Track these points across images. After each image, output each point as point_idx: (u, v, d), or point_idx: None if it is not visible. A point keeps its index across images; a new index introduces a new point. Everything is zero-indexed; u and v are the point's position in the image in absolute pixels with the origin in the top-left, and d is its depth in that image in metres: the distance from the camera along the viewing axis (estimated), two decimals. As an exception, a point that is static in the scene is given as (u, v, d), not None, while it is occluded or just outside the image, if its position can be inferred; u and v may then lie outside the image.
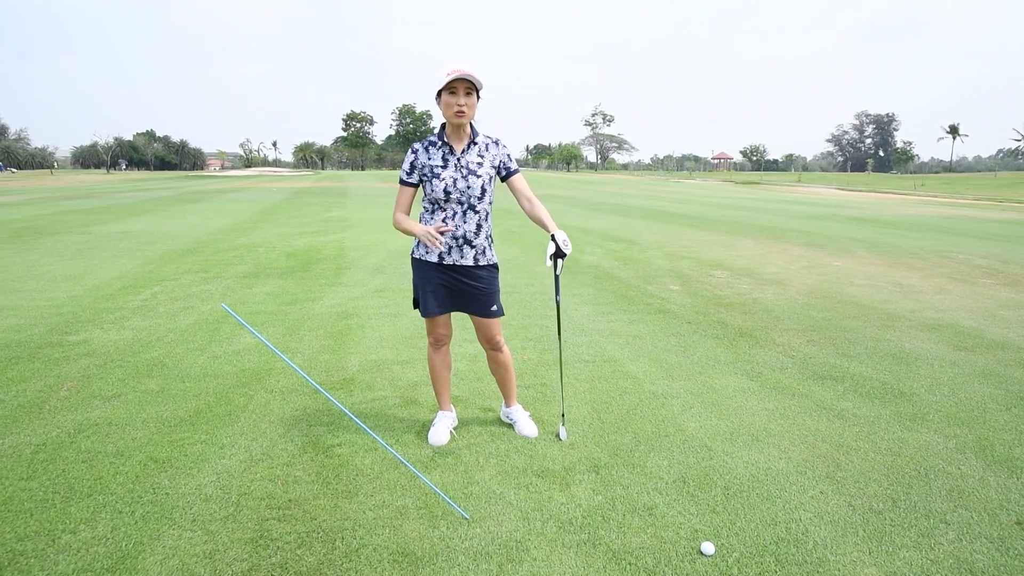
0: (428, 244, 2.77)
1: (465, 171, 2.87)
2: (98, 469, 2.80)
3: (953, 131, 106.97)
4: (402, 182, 2.93)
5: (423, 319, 3.10)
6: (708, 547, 2.25)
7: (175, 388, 3.81)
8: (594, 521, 2.44)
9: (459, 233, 2.89)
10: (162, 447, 3.02)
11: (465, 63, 2.73)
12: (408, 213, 2.94)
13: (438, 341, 3.15)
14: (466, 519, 2.44)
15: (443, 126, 2.91)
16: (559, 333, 3.45)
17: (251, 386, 3.85)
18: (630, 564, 2.19)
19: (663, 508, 2.53)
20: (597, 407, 3.59)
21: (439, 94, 2.78)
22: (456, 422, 3.29)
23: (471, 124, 2.91)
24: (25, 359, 4.33)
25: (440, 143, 2.89)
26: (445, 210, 2.88)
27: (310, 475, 2.77)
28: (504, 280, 7.42)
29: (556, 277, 3.06)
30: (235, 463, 2.87)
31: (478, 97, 2.81)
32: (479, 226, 2.93)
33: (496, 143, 2.98)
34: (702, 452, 3.03)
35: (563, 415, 3.33)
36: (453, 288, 2.98)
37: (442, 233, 2.84)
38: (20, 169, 77.38)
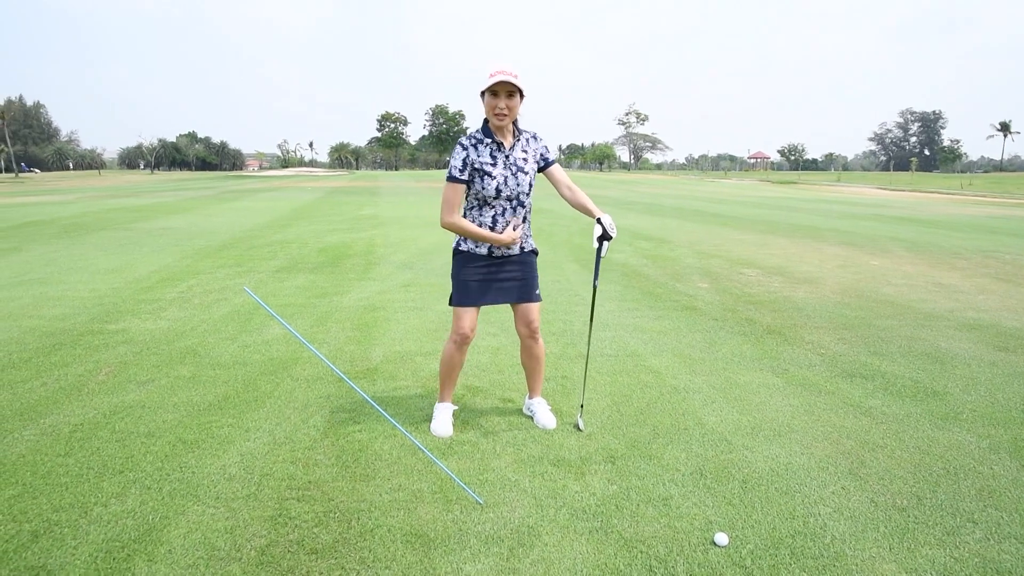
0: (512, 245, 2.91)
1: (515, 168, 2.89)
2: (130, 448, 2.92)
3: (1004, 128, 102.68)
4: (454, 179, 2.84)
5: (451, 317, 3.09)
6: (722, 538, 2.23)
7: (206, 375, 3.93)
8: (607, 510, 2.44)
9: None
10: (191, 429, 3.13)
11: (508, 64, 2.72)
12: (461, 213, 2.93)
13: (464, 339, 3.06)
14: (480, 504, 2.46)
15: (486, 122, 2.90)
16: (591, 319, 3.35)
17: (278, 374, 3.95)
18: (641, 552, 2.18)
19: (678, 499, 2.52)
20: (617, 400, 3.57)
21: (483, 93, 2.77)
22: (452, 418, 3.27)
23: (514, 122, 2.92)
24: (68, 345, 4.52)
25: (488, 140, 2.87)
26: (493, 207, 2.90)
27: (330, 458, 2.83)
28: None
29: (598, 261, 3.06)
30: (259, 446, 2.95)
31: (521, 97, 2.80)
32: (525, 218, 3.00)
33: (535, 137, 3.02)
34: (721, 445, 3.00)
35: (582, 406, 3.33)
36: (498, 279, 3.00)
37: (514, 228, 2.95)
38: (73, 169, 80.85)
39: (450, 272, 3.09)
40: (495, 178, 2.84)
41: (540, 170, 3.03)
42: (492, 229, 2.91)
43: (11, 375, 3.89)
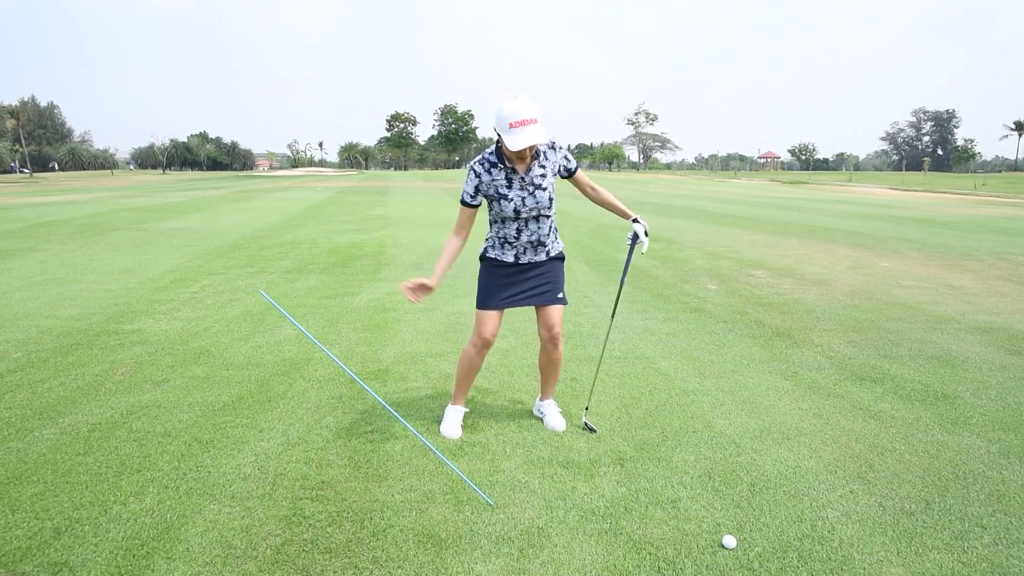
0: (406, 293, 2.79)
1: (532, 187, 2.87)
2: (147, 447, 2.97)
3: (1019, 128, 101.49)
4: (465, 204, 2.89)
5: (470, 319, 3.13)
6: (730, 540, 2.25)
7: (220, 375, 3.99)
8: (616, 511, 2.47)
9: (533, 239, 2.96)
10: (206, 429, 3.18)
11: (526, 104, 2.65)
12: (467, 233, 2.97)
13: (485, 343, 3.06)
14: (490, 505, 2.50)
15: (498, 146, 2.85)
16: (612, 315, 3.50)
17: (290, 374, 4.00)
18: (650, 554, 2.21)
19: (687, 501, 2.54)
20: (626, 402, 3.60)
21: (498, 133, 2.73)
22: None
23: None
24: (84, 345, 4.60)
25: (501, 166, 2.83)
26: (516, 221, 2.92)
27: (343, 459, 2.87)
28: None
29: (629, 260, 3.26)
30: (273, 446, 3.00)
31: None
32: (550, 227, 3.02)
33: (553, 148, 2.94)
34: (730, 448, 3.02)
35: (587, 408, 3.37)
36: (523, 283, 3.02)
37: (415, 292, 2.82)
38: (84, 169, 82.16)
39: (476, 277, 3.13)
40: (511, 200, 2.85)
41: (566, 177, 3.02)
42: (517, 239, 2.95)
43: (30, 374, 3.97)
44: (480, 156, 2.92)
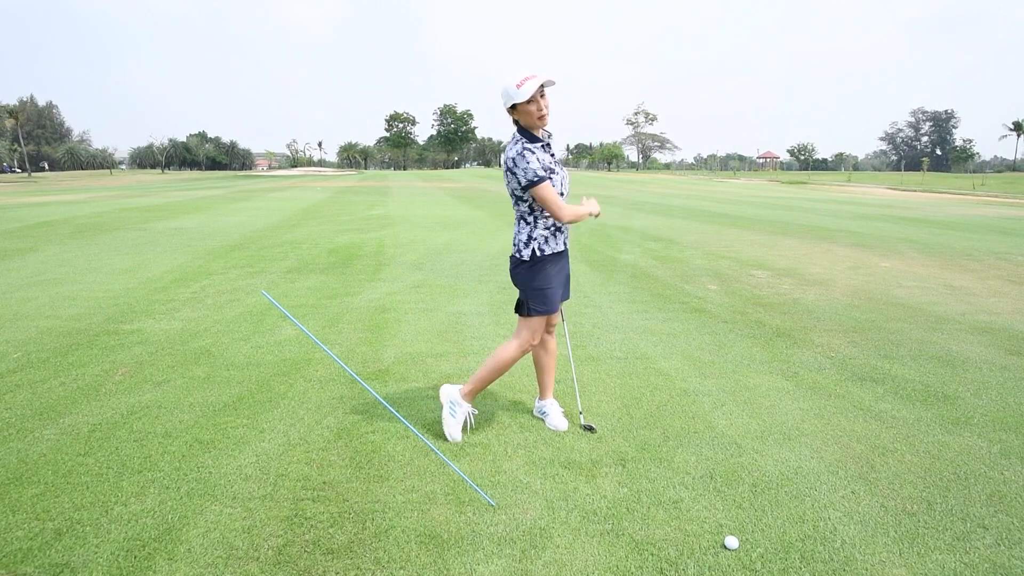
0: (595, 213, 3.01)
1: (559, 165, 2.97)
2: (148, 448, 2.97)
3: (1018, 128, 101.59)
4: (543, 178, 2.78)
5: (531, 324, 3.05)
6: (732, 541, 2.25)
7: (220, 375, 3.99)
8: (618, 512, 2.47)
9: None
10: (207, 429, 3.18)
11: (519, 72, 2.73)
12: None
13: (545, 331, 3.22)
14: (492, 506, 2.50)
15: (522, 131, 2.86)
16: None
17: (291, 375, 4.00)
18: (652, 555, 2.20)
19: (688, 502, 2.54)
20: (627, 403, 3.60)
21: (514, 106, 2.75)
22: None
23: None
24: (84, 346, 4.59)
25: (539, 145, 2.85)
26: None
27: (344, 459, 2.87)
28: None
29: None
30: (274, 446, 3.00)
31: None
32: None
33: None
34: (731, 449, 3.02)
35: (580, 412, 3.38)
36: (564, 276, 3.13)
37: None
38: (82, 169, 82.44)
39: (528, 284, 2.99)
40: (558, 174, 2.91)
41: None
42: (563, 223, 2.97)
43: (30, 375, 3.96)
44: (517, 141, 2.84)
